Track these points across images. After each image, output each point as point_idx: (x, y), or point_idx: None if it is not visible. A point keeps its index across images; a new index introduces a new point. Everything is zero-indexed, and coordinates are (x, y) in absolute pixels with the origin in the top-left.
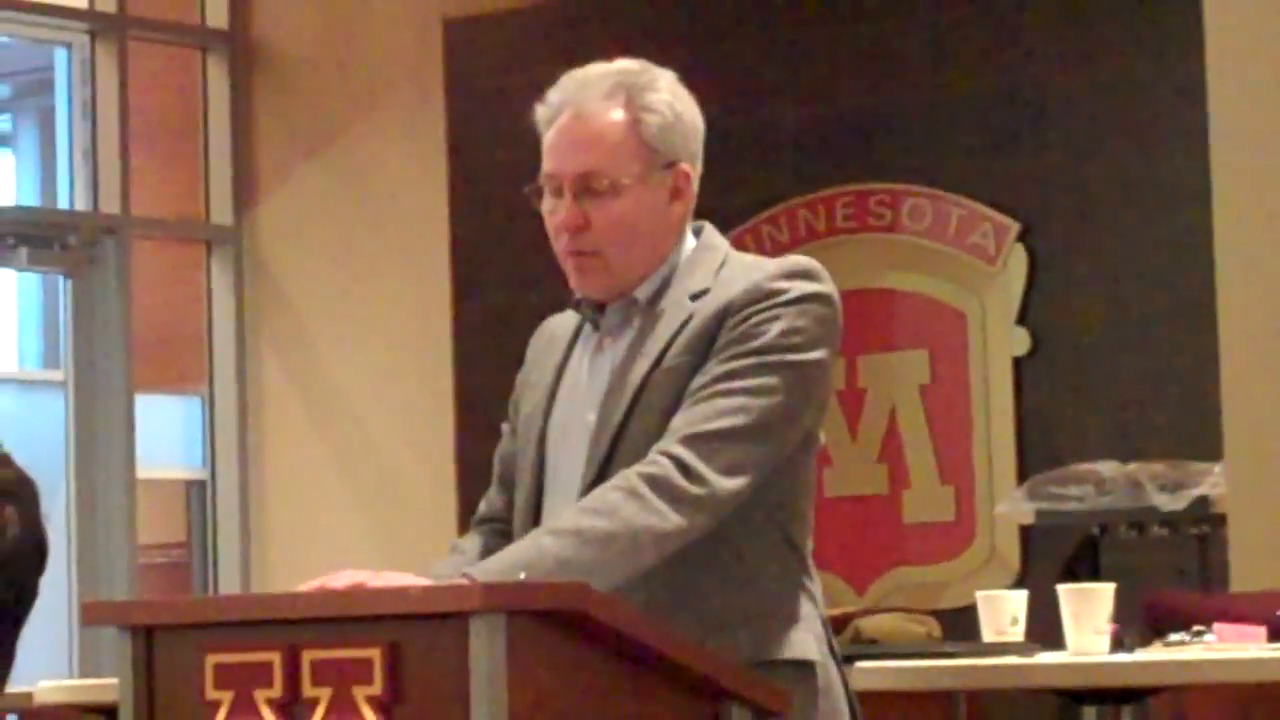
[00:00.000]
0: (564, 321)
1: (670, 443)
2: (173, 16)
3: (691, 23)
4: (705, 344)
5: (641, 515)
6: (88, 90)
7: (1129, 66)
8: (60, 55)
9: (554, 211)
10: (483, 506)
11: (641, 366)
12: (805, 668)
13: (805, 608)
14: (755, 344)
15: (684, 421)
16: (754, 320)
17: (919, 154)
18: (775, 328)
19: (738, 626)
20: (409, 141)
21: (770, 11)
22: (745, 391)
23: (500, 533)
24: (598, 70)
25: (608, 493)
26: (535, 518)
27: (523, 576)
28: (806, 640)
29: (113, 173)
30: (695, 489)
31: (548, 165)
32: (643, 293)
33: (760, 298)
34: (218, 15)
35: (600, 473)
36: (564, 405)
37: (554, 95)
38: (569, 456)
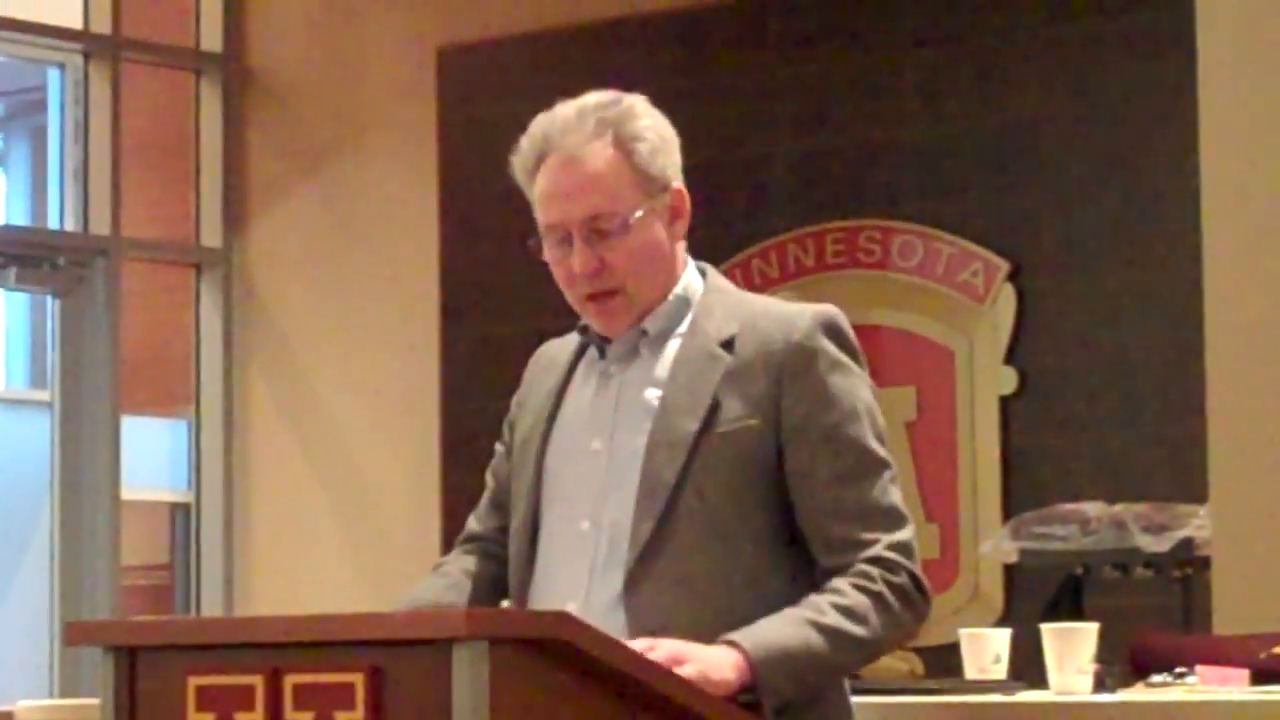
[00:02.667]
0: (563, 345)
1: (882, 550)
2: (167, 39)
3: (684, 55)
4: (768, 410)
5: (886, 629)
6: (80, 111)
7: (1121, 107)
8: (53, 75)
9: (562, 260)
10: (471, 523)
11: (688, 423)
12: None
13: (844, 693)
14: (855, 431)
15: (862, 526)
16: (835, 388)
17: (910, 191)
18: (854, 400)
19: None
20: (400, 167)
21: (762, 45)
22: (882, 479)
23: (488, 553)
24: (572, 109)
25: (860, 595)
26: (531, 541)
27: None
28: (846, 704)
29: (103, 193)
30: (924, 603)
31: (549, 216)
32: (653, 324)
33: (810, 360)
34: (212, 38)
35: (660, 525)
36: (565, 431)
37: (527, 143)
38: (571, 482)
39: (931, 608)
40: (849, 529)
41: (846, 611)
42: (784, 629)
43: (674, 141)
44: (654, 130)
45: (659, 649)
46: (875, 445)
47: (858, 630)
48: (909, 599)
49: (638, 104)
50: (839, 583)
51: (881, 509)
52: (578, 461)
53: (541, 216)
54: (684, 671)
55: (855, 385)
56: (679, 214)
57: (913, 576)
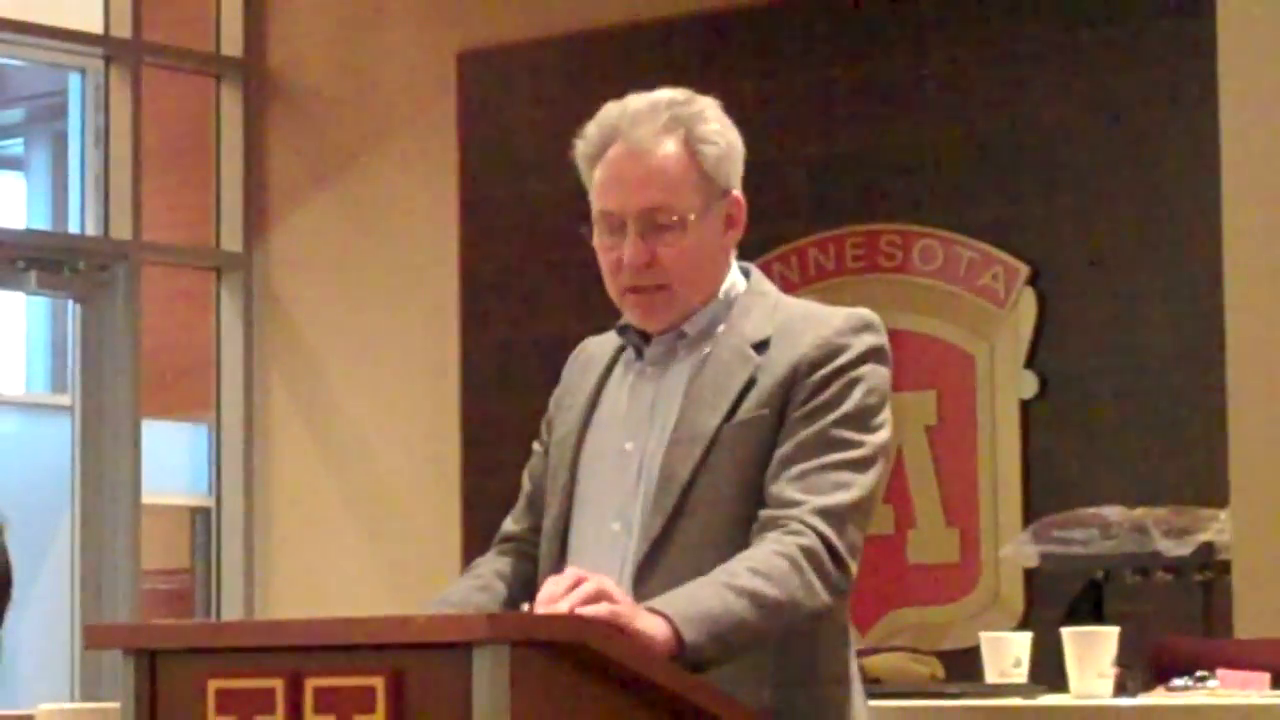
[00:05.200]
0: (602, 344)
1: (806, 513)
2: (187, 43)
3: (704, 60)
4: (781, 399)
5: (801, 591)
6: (101, 116)
7: (1141, 112)
8: (74, 80)
9: (612, 248)
10: (508, 523)
11: (709, 419)
12: None
13: (852, 666)
14: (844, 410)
15: (802, 490)
16: (837, 383)
17: (931, 196)
18: (858, 391)
19: (783, 687)
20: (421, 172)
21: (782, 50)
22: (850, 465)
23: (523, 553)
24: (645, 102)
25: (772, 558)
26: (562, 541)
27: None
28: (845, 700)
29: (124, 198)
30: (837, 574)
31: (606, 203)
32: (692, 327)
33: (832, 354)
34: (233, 43)
35: (673, 517)
36: (600, 431)
37: (595, 129)
38: (603, 483)
39: (852, 577)
40: (785, 489)
41: (759, 574)
42: (700, 593)
43: (739, 149)
44: (723, 136)
45: (599, 605)
46: (860, 448)
47: (771, 591)
48: (819, 563)
49: (710, 107)
50: (754, 547)
51: (829, 480)
52: (611, 462)
53: (598, 203)
54: (624, 624)
55: (865, 387)
56: (734, 223)
57: (825, 541)
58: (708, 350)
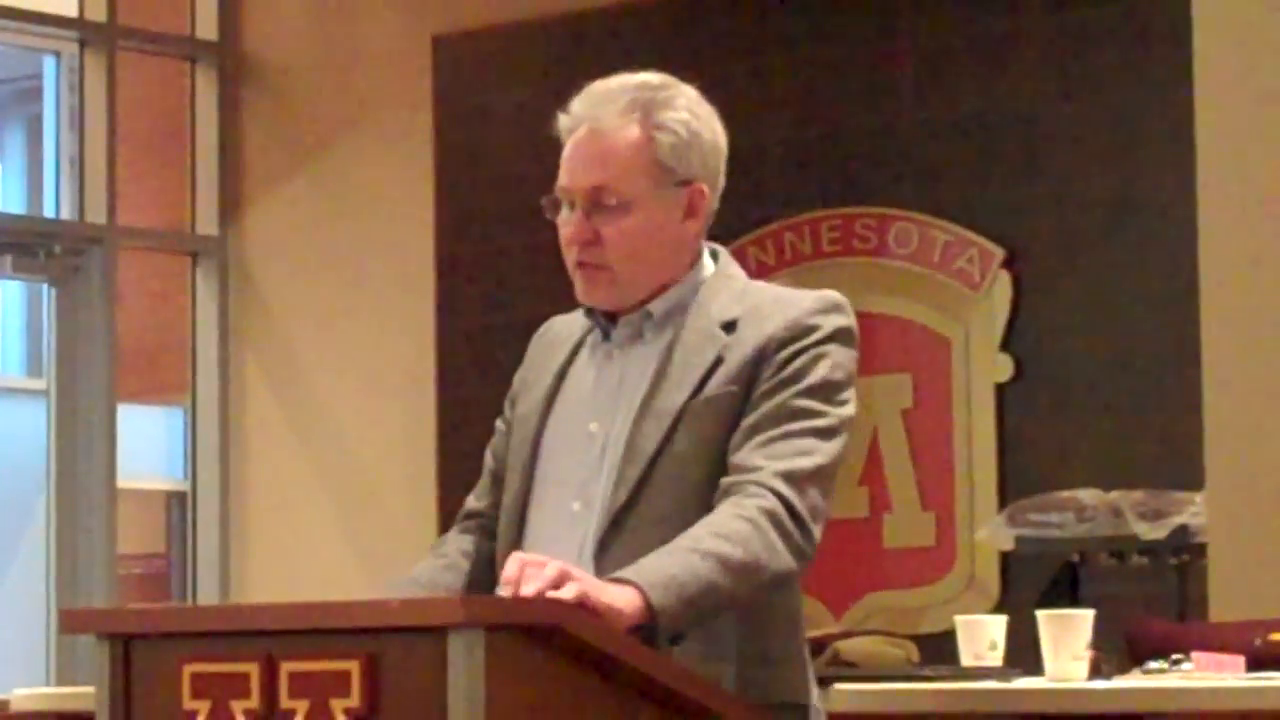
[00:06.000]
0: (568, 324)
1: (766, 476)
2: (162, 27)
3: (678, 43)
4: (749, 376)
5: (765, 551)
6: (75, 99)
7: (1117, 94)
8: (49, 64)
9: (565, 224)
10: (471, 500)
11: (676, 396)
12: (799, 711)
13: (800, 647)
14: (808, 382)
15: (765, 457)
16: (803, 357)
17: (906, 179)
18: (823, 366)
19: (745, 663)
20: (396, 155)
21: (758, 34)
22: (814, 433)
23: (485, 529)
24: (618, 83)
25: (732, 520)
26: (520, 519)
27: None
28: (803, 683)
29: (99, 182)
30: (799, 535)
31: (561, 179)
32: (657, 308)
33: (801, 333)
34: (207, 27)
35: (636, 491)
36: (564, 411)
37: (574, 106)
38: (565, 462)
39: (815, 540)
40: (748, 456)
41: (721, 536)
42: (665, 560)
43: (710, 143)
44: (685, 125)
45: (566, 587)
46: (824, 418)
47: (735, 553)
48: (779, 523)
49: (682, 95)
50: (715, 512)
51: (792, 446)
52: (575, 442)
53: (559, 178)
54: (593, 602)
55: (831, 363)
56: (694, 212)
57: (785, 502)
58: (675, 332)
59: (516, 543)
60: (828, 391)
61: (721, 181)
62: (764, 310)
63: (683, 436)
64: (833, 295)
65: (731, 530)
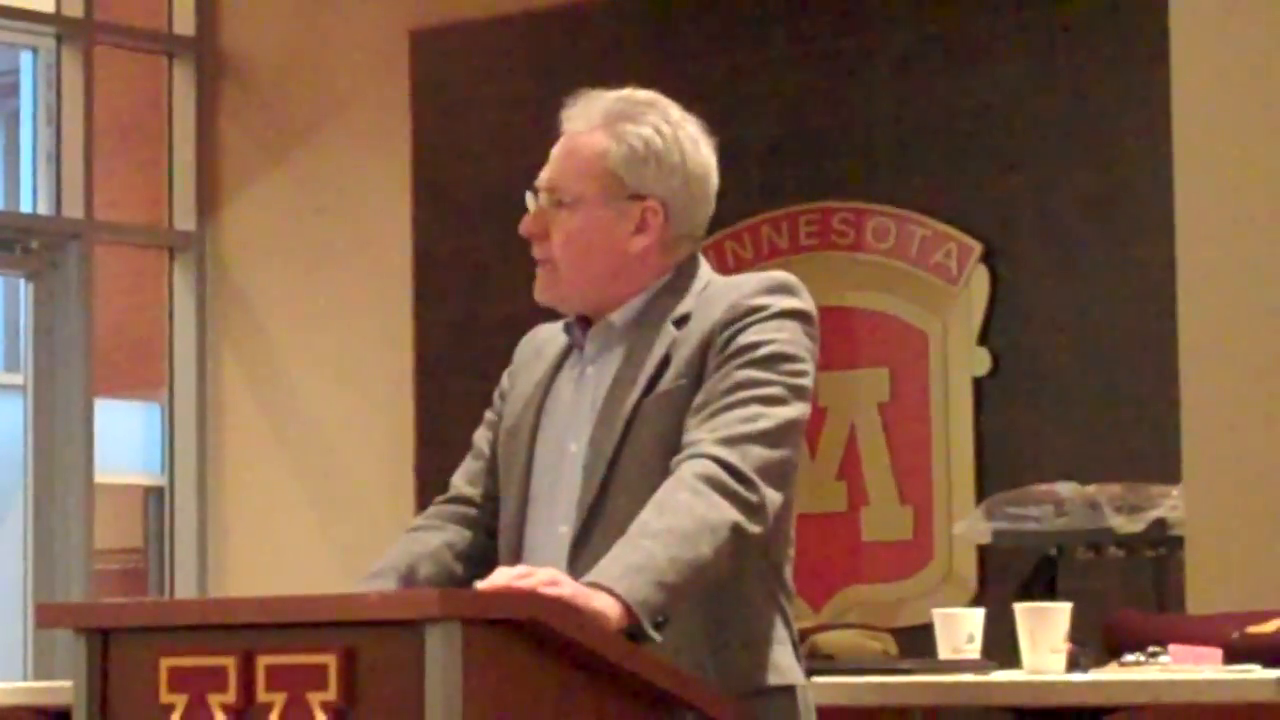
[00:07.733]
0: (554, 334)
1: (704, 446)
2: (140, 22)
3: (658, 39)
4: (698, 367)
5: (712, 511)
6: (53, 94)
7: (1095, 89)
8: (26, 58)
9: None
10: (457, 481)
11: (630, 394)
12: (788, 693)
13: (783, 629)
14: (753, 356)
15: (708, 430)
16: (745, 335)
17: (883, 173)
18: (766, 341)
19: (724, 649)
20: (374, 150)
21: (736, 30)
22: (758, 400)
23: (473, 521)
24: (609, 94)
25: (673, 494)
26: (519, 539)
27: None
28: (789, 664)
29: (76, 177)
30: (744, 490)
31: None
32: (619, 318)
33: (744, 313)
34: (185, 22)
35: (600, 495)
36: (550, 428)
37: (566, 106)
38: (551, 483)
39: (763, 493)
40: (692, 432)
41: (664, 511)
42: (621, 553)
43: (673, 165)
44: (646, 142)
45: (557, 587)
46: (770, 386)
47: (681, 521)
48: (718, 482)
49: (654, 113)
50: (658, 491)
51: (735, 415)
52: (558, 463)
53: None
54: (580, 606)
55: (775, 337)
56: (644, 229)
57: (721, 462)
58: (635, 337)
59: (515, 562)
60: (774, 362)
61: (695, 207)
62: (713, 299)
63: (638, 435)
64: (780, 275)
65: (674, 503)
